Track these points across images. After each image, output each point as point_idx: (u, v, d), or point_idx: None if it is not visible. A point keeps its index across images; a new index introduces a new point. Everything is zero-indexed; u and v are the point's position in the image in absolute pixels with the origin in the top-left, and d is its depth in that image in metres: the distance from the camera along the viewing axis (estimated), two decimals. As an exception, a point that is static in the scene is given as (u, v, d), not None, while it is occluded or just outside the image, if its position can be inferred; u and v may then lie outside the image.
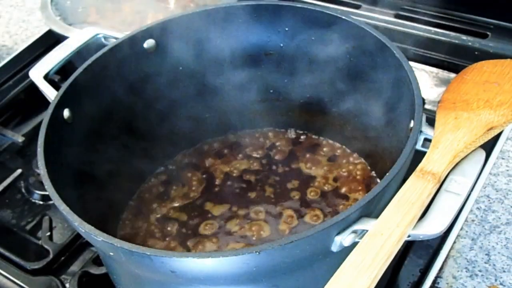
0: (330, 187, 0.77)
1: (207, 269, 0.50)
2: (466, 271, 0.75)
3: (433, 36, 1.05)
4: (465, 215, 0.77)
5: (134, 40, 0.73)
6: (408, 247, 0.75)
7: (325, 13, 0.71)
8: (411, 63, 0.61)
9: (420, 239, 0.51)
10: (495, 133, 0.58)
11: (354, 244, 0.49)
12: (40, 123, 0.61)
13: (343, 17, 0.70)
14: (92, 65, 0.69)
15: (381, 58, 0.66)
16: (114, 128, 0.73)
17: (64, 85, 0.66)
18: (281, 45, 0.76)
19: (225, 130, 0.85)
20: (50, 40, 1.14)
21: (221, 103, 0.82)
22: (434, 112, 0.60)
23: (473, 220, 0.80)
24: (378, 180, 0.76)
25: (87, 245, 0.82)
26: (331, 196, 0.76)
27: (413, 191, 0.52)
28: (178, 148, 0.84)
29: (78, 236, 0.82)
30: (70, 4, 1.06)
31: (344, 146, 0.82)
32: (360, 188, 0.76)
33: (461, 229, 0.78)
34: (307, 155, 0.81)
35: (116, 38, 0.77)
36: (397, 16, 1.10)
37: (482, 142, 0.57)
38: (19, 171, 0.94)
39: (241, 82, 0.81)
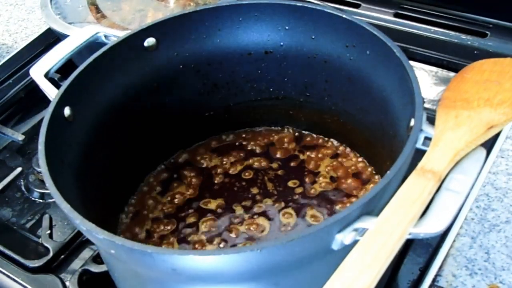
0: (330, 185, 0.77)
1: (208, 266, 0.50)
2: (466, 270, 0.75)
3: (432, 35, 1.06)
4: (464, 213, 0.77)
5: (135, 39, 0.73)
6: (408, 245, 0.75)
7: (325, 12, 0.71)
8: (410, 62, 0.62)
9: (421, 237, 0.51)
10: (496, 132, 0.58)
11: (355, 243, 0.50)
12: (40, 122, 0.62)
13: (343, 16, 0.70)
14: (93, 63, 0.69)
15: (381, 57, 0.66)
16: (114, 127, 0.73)
17: (65, 84, 0.66)
18: (281, 43, 0.76)
19: (225, 128, 0.85)
20: (50, 38, 1.14)
21: (221, 102, 0.82)
22: (434, 110, 0.60)
23: (472, 219, 0.80)
24: (379, 179, 0.77)
25: (87, 243, 0.82)
26: (332, 194, 0.76)
27: (414, 190, 0.52)
28: (178, 146, 0.84)
29: (78, 234, 0.82)
30: (70, 3, 1.07)
31: (344, 145, 0.82)
32: (360, 186, 0.76)
33: (461, 227, 0.78)
34: (308, 154, 0.82)
35: (116, 37, 0.77)
36: (397, 15, 1.11)
37: (482, 141, 0.57)
38: (19, 169, 0.94)
39: (241, 81, 0.81)
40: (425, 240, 0.75)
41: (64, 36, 0.90)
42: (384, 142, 0.71)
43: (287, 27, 0.75)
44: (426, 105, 0.91)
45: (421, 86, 0.59)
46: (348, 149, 0.81)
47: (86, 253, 0.81)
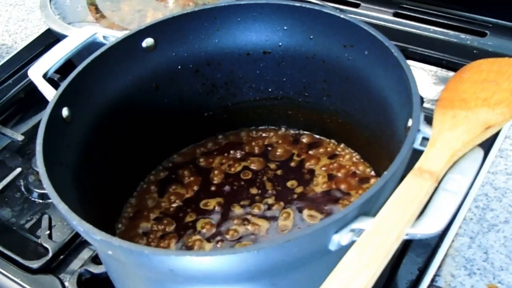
0: (328, 185, 0.77)
1: (205, 267, 0.50)
2: (465, 270, 0.75)
3: (431, 34, 1.06)
4: (463, 213, 0.77)
5: (133, 39, 0.73)
6: (407, 245, 0.75)
7: (323, 12, 0.71)
8: (410, 62, 0.62)
9: (418, 238, 0.51)
10: (493, 132, 0.58)
11: (352, 243, 0.50)
12: (40, 122, 0.62)
13: (341, 16, 0.70)
14: (91, 63, 0.69)
15: (379, 57, 0.66)
16: (113, 127, 0.73)
17: (63, 84, 0.66)
18: (280, 44, 0.76)
19: (224, 128, 0.85)
20: (49, 39, 1.15)
21: (219, 102, 0.82)
22: (433, 110, 0.60)
23: (471, 219, 0.80)
24: (377, 179, 0.77)
25: (86, 243, 0.82)
26: (330, 194, 0.76)
27: (411, 190, 0.52)
28: (177, 147, 0.84)
29: (77, 235, 0.82)
30: (69, 3, 1.07)
31: (342, 145, 0.82)
32: (358, 186, 0.76)
33: (460, 227, 0.78)
34: (306, 154, 0.82)
35: (115, 37, 0.77)
36: (396, 14, 1.11)
37: (480, 141, 0.57)
38: (18, 169, 0.94)
39: (240, 81, 0.81)
40: (424, 240, 0.75)
41: (63, 37, 0.90)
42: (382, 142, 0.71)
43: (285, 27, 0.75)
44: (425, 105, 0.90)
45: (421, 85, 0.59)
46: (346, 149, 0.81)
47: (85, 254, 0.81)
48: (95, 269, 0.77)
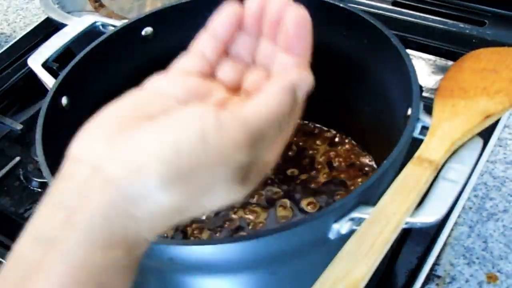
0: (328, 174, 0.77)
1: (205, 256, 0.50)
2: (464, 259, 0.75)
3: (430, 23, 1.05)
4: (462, 202, 0.77)
5: (132, 28, 0.73)
6: (406, 234, 0.75)
7: (322, 1, 0.71)
8: (409, 51, 0.61)
9: (417, 227, 0.51)
10: (493, 121, 0.58)
11: (352, 232, 0.50)
12: (39, 111, 0.62)
13: (340, 5, 0.70)
14: (90, 52, 0.69)
15: (378, 46, 0.66)
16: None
17: (62, 73, 0.66)
18: (279, 33, 0.76)
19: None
20: (48, 28, 1.14)
21: (219, 91, 0.82)
22: (432, 99, 0.60)
23: (470, 208, 0.80)
24: (376, 167, 0.77)
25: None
26: (329, 183, 0.76)
27: (411, 179, 0.52)
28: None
29: (76, 224, 0.82)
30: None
31: (342, 134, 0.82)
32: (358, 175, 0.76)
33: (459, 216, 0.78)
34: (306, 143, 0.82)
35: (114, 26, 0.77)
36: (395, 3, 1.10)
37: (479, 130, 0.57)
38: (17, 158, 0.94)
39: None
40: (423, 229, 0.75)
41: (63, 26, 0.90)
42: (382, 131, 0.71)
43: (284, 17, 0.75)
44: (424, 94, 0.90)
45: (420, 74, 0.59)
46: (346, 138, 0.81)
47: (84, 243, 0.81)
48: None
